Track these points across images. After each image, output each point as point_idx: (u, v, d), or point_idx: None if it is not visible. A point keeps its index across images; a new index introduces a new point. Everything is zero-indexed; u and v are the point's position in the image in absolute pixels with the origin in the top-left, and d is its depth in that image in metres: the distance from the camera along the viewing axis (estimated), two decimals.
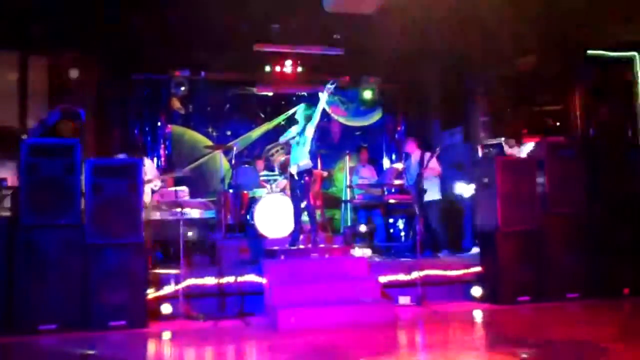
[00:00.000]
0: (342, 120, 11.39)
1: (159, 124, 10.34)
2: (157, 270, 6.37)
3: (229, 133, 11.01)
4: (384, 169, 10.84)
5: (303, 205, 6.91)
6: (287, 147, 7.54)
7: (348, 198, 9.43)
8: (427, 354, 4.74)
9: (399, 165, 8.75)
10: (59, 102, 6.82)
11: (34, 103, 7.94)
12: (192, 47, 8.91)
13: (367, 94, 10.81)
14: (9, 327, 5.41)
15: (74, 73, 8.26)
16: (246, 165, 9.17)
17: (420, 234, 6.52)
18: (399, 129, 11.41)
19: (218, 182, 9.04)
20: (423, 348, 4.97)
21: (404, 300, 6.47)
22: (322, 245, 7.09)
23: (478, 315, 6.08)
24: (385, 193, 8.57)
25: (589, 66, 8.85)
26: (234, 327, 5.63)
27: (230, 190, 8.08)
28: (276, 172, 8.71)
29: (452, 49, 8.67)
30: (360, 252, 7.64)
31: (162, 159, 10.26)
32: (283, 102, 11.17)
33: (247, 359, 4.81)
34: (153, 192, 7.39)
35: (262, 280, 6.20)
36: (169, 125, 10.49)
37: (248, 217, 8.03)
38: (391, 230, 8.93)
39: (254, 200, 8.18)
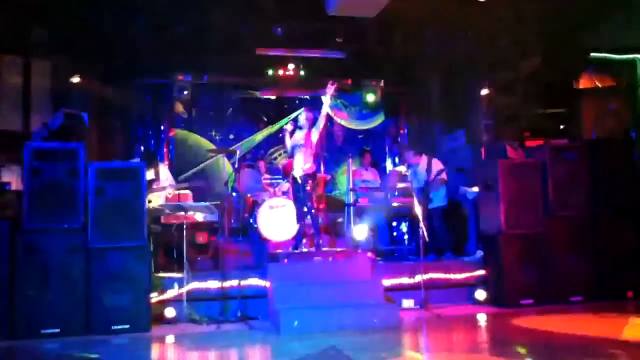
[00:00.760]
0: (344, 123, 11.39)
1: (162, 128, 10.38)
2: (160, 274, 6.37)
3: (232, 136, 11.03)
4: (387, 171, 10.82)
5: (306, 208, 6.91)
6: (290, 151, 7.54)
7: (351, 201, 9.41)
8: (431, 357, 4.73)
9: (402, 168, 8.71)
10: (62, 106, 6.82)
11: (37, 107, 7.96)
12: (194, 51, 8.92)
13: (370, 97, 10.81)
14: (11, 331, 5.42)
15: (76, 77, 8.30)
16: (249, 169, 9.16)
17: (424, 237, 6.50)
18: (401, 132, 11.42)
19: (221, 186, 9.03)
20: (427, 351, 4.96)
21: (407, 303, 6.47)
22: (325, 249, 7.07)
23: (482, 318, 6.07)
24: (389, 196, 8.54)
25: (591, 69, 8.85)
26: (237, 331, 5.62)
27: (234, 194, 8.08)
28: (279, 176, 8.70)
29: (454, 52, 8.67)
30: (364, 255, 7.60)
31: (166, 162, 10.27)
32: (286, 106, 11.17)
33: None
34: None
35: (266, 284, 6.20)
36: (173, 129, 10.53)
37: (251, 220, 8.02)
38: (394, 234, 8.91)
39: (257, 204, 8.17)
